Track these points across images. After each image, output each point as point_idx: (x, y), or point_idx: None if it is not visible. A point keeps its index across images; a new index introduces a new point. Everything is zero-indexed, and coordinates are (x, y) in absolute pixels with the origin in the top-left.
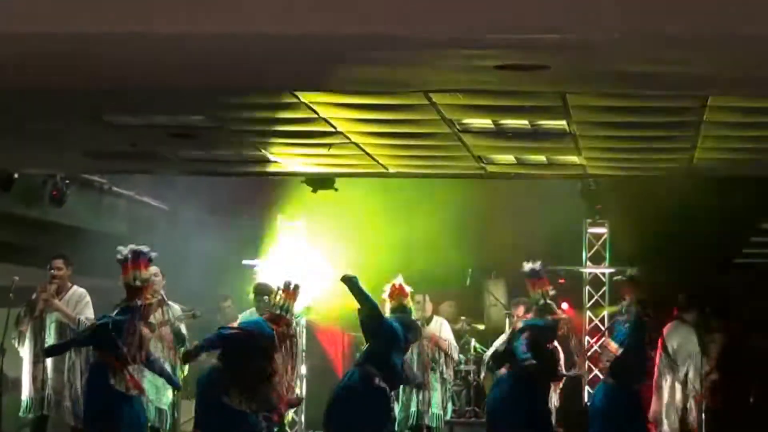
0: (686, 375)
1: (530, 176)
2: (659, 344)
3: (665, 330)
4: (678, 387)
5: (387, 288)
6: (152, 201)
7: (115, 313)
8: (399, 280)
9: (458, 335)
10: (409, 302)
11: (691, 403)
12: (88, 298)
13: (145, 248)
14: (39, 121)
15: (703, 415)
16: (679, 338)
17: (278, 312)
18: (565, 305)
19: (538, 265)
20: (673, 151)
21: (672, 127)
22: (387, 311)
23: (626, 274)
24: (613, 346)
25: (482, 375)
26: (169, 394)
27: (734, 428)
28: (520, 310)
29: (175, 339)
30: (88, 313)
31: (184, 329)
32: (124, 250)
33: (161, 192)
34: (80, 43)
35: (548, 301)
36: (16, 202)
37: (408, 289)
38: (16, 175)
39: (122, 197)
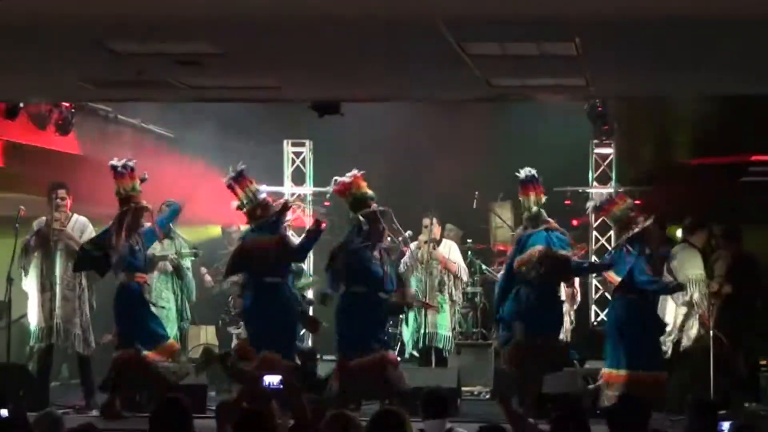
0: (691, 297)
1: (536, 98)
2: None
3: (671, 252)
4: (683, 309)
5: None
6: (158, 129)
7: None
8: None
9: (465, 258)
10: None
11: (695, 324)
12: (90, 227)
13: (131, 162)
14: (42, 50)
15: (711, 332)
16: (684, 261)
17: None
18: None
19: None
20: (680, 71)
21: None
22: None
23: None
24: (615, 278)
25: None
26: (174, 325)
27: (741, 344)
28: None
29: (175, 272)
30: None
31: (188, 263)
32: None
33: (167, 120)
34: None
35: (540, 209)
36: (21, 131)
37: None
38: (21, 105)
39: (127, 125)
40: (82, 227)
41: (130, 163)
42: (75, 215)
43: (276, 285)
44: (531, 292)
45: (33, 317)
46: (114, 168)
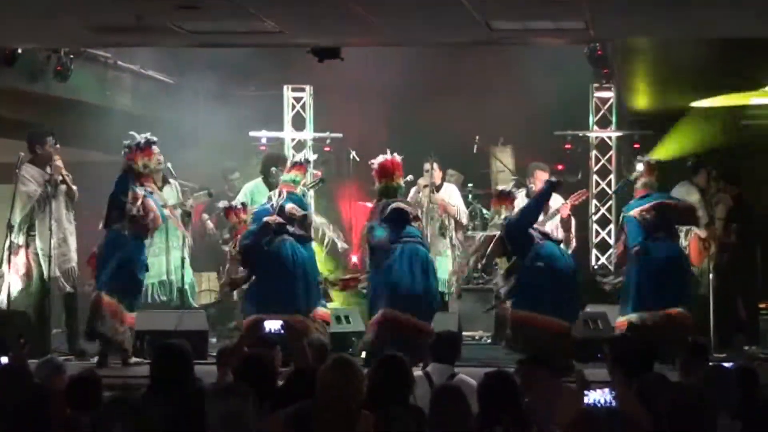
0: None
1: (536, 42)
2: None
3: (674, 192)
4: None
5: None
6: (157, 74)
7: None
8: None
9: (466, 202)
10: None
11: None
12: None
13: (154, 138)
14: None
15: (711, 275)
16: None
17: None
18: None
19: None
20: (679, 12)
21: None
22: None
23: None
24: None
25: None
26: (179, 272)
27: (741, 288)
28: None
29: (182, 217)
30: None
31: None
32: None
33: (166, 65)
34: None
35: None
36: (19, 78)
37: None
38: (19, 51)
39: (127, 71)
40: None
41: (153, 139)
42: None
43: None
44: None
45: (39, 268)
46: (134, 145)
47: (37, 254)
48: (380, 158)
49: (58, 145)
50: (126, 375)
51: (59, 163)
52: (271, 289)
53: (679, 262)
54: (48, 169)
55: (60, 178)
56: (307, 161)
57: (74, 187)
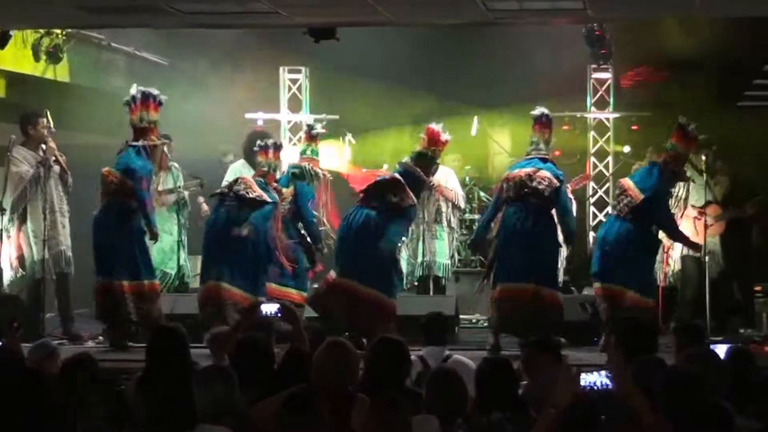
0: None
1: (533, 22)
2: None
3: None
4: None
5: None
6: (151, 56)
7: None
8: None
9: (463, 184)
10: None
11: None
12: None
13: (155, 90)
14: None
15: (707, 258)
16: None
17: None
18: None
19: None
20: None
21: None
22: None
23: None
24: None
25: None
26: (174, 258)
27: (736, 271)
28: None
29: (176, 205)
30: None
31: (186, 195)
32: (133, 90)
33: (161, 47)
34: None
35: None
36: (11, 59)
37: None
38: (11, 32)
39: (121, 53)
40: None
41: (155, 92)
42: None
43: None
44: None
45: (32, 251)
46: (135, 98)
47: (29, 237)
48: (434, 125)
49: (54, 128)
50: (122, 358)
51: (52, 144)
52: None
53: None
54: (41, 152)
55: (53, 158)
56: (310, 126)
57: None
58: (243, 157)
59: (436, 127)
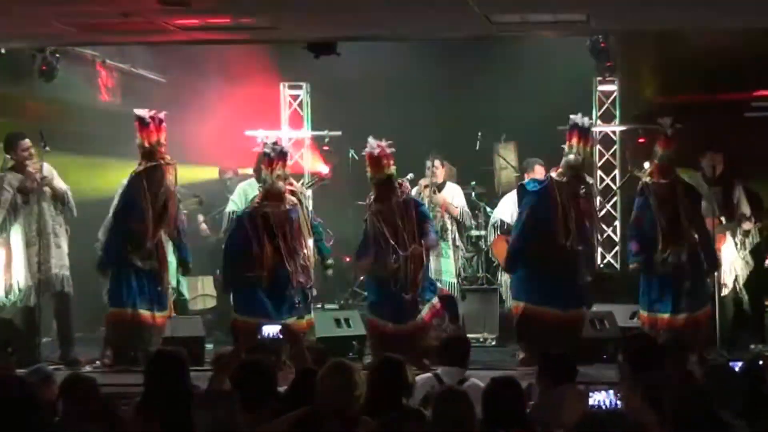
0: None
1: (537, 35)
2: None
3: None
4: None
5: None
6: (148, 73)
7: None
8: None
9: (468, 200)
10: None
11: None
12: (54, 170)
13: (162, 114)
14: None
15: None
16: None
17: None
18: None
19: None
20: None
21: None
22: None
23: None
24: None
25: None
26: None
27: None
28: (539, 170)
29: None
30: (62, 185)
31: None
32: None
33: (157, 64)
34: None
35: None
36: (3, 79)
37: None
38: (2, 51)
39: (116, 70)
40: (50, 173)
41: (160, 115)
42: (42, 162)
43: None
44: None
45: (20, 276)
46: (140, 119)
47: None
48: (367, 149)
49: (47, 147)
50: (119, 383)
51: (32, 168)
52: None
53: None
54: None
55: (34, 184)
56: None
57: (63, 187)
58: (254, 176)
59: (369, 149)
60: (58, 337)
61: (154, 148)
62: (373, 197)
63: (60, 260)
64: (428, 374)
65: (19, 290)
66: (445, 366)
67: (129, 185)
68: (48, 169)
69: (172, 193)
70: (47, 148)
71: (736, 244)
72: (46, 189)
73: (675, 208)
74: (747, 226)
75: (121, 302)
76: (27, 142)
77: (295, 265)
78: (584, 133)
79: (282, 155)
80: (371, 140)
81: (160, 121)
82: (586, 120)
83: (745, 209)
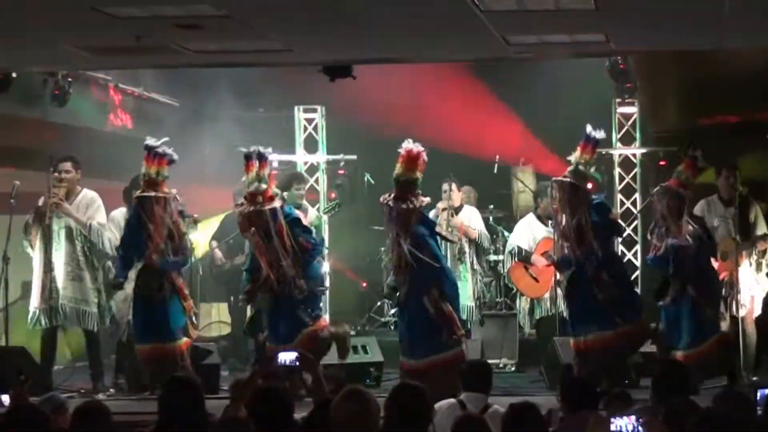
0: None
1: (555, 56)
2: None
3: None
4: None
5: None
6: (161, 97)
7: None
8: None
9: (486, 225)
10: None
11: None
12: (99, 202)
13: (170, 150)
14: (34, 15)
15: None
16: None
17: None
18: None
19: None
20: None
21: None
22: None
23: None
24: None
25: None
26: None
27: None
28: None
29: None
30: (100, 218)
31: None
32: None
33: (170, 87)
34: None
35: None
36: (15, 103)
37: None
38: (14, 75)
39: (129, 94)
40: (89, 202)
41: (169, 151)
42: (84, 190)
43: None
44: None
45: (34, 299)
46: (149, 149)
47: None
48: (405, 144)
49: (62, 174)
50: (133, 411)
51: (55, 192)
52: None
53: None
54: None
55: (45, 209)
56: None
57: (94, 220)
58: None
59: (410, 145)
60: (90, 369)
61: (155, 179)
62: (392, 196)
63: (75, 293)
64: (452, 400)
65: (32, 318)
66: (468, 392)
67: (130, 215)
68: (91, 198)
69: (162, 224)
70: (56, 173)
71: (751, 264)
72: (66, 218)
73: None
74: (763, 246)
75: (154, 336)
76: (67, 164)
77: (290, 262)
78: (588, 142)
79: (261, 157)
80: (410, 141)
81: (164, 153)
82: (595, 132)
83: (762, 229)
